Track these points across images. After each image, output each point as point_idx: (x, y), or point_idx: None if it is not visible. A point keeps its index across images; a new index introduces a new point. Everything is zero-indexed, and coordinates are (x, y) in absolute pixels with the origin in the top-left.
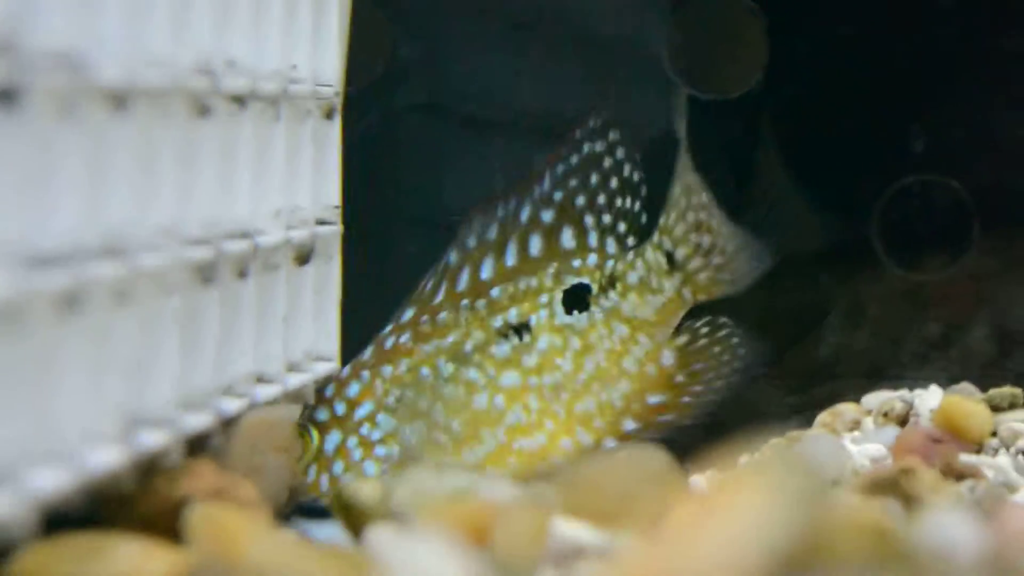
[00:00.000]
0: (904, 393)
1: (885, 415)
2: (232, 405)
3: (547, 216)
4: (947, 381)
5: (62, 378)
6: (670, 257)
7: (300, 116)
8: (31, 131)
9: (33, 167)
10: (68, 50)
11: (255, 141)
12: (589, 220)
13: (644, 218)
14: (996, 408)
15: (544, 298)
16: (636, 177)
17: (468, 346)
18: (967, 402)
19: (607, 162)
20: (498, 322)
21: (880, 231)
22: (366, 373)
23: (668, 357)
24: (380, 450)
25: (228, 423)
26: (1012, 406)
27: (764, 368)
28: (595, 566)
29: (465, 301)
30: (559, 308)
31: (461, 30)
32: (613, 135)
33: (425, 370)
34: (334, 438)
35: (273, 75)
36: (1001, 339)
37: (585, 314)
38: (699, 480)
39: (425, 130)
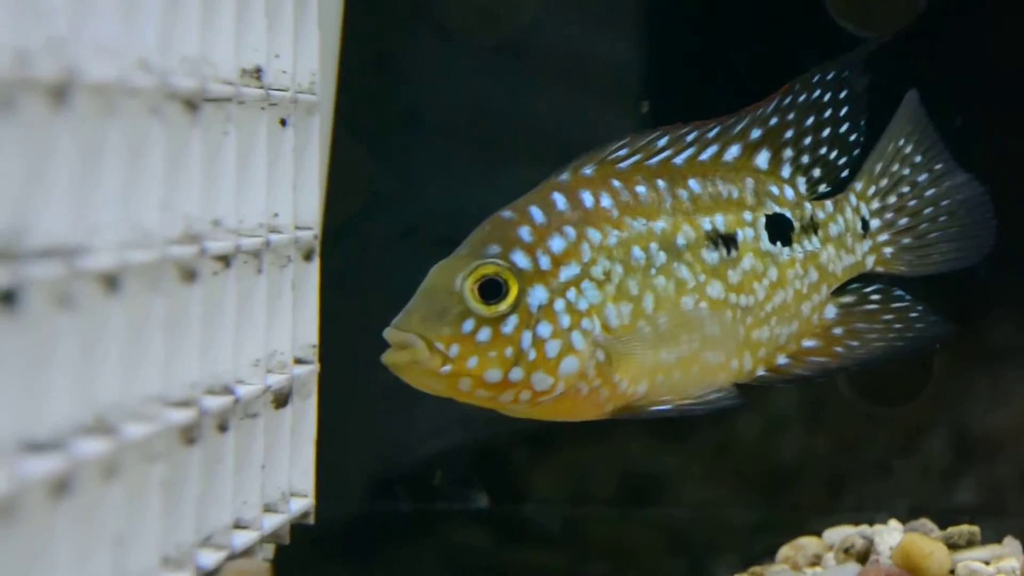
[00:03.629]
0: (864, 529)
1: (846, 551)
2: (211, 559)
3: (755, 134)
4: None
5: (52, 562)
6: (865, 224)
7: (281, 263)
8: (29, 326)
9: (30, 359)
10: (64, 242)
11: (238, 296)
12: (788, 153)
13: (843, 176)
14: (954, 546)
15: (748, 216)
16: (852, 137)
17: (680, 240)
18: (925, 541)
19: (828, 112)
20: (706, 225)
21: None
22: (571, 230)
23: (831, 311)
24: (586, 322)
25: None
26: (970, 544)
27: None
28: None
29: (662, 182)
30: (763, 232)
31: (433, 154)
32: (846, 92)
33: (637, 251)
34: (539, 294)
35: (256, 228)
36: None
37: (787, 249)
38: None
39: (403, 256)
